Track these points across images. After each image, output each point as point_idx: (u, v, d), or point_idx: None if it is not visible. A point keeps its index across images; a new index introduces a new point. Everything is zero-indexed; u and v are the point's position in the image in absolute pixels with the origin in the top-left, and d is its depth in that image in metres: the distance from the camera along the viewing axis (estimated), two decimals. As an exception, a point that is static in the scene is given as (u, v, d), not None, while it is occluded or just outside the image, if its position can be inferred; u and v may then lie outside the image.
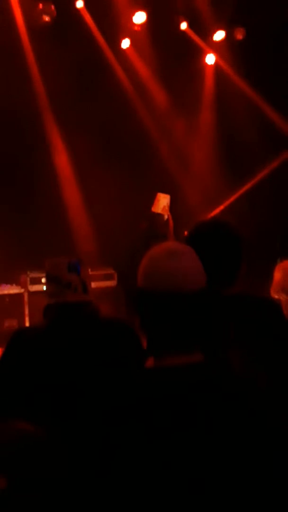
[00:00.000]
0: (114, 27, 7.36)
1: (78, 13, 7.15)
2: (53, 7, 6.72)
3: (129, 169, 7.45)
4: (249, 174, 8.07)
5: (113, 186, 7.22)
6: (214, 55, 8.08)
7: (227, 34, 7.77)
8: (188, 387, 1.23)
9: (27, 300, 6.80)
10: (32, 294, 6.77)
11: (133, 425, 1.22)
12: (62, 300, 2.15)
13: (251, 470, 1.20)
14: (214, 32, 7.78)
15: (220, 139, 8.15)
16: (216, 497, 1.19)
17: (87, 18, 7.22)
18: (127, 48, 7.73)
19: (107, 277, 7.27)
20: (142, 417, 1.22)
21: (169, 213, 6.99)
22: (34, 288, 6.77)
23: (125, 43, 7.67)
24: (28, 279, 6.87)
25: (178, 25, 7.60)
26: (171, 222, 7.05)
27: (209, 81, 8.31)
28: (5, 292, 6.82)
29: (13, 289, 6.86)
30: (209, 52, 8.06)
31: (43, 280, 7.21)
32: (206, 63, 8.20)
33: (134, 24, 7.32)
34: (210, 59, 8.12)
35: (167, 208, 6.95)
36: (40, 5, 6.71)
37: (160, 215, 6.95)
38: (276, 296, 2.34)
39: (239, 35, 7.75)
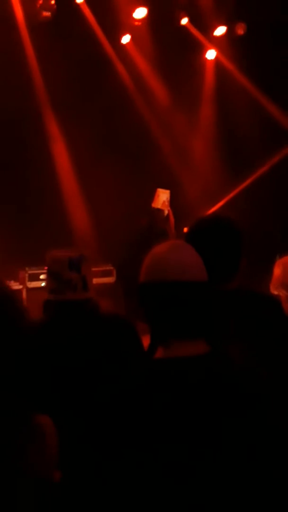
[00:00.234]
0: (115, 22, 7.32)
1: (78, 8, 7.12)
2: (53, 2, 6.68)
3: (129, 164, 7.43)
4: (249, 169, 8.05)
5: (112, 181, 7.20)
6: (215, 50, 8.05)
7: (228, 30, 7.74)
8: (198, 378, 1.26)
9: (26, 296, 6.79)
10: (31, 290, 6.75)
11: (143, 415, 1.23)
12: (62, 297, 2.13)
13: (254, 461, 1.22)
14: (215, 27, 7.75)
15: (220, 134, 8.13)
16: (221, 486, 1.21)
17: (87, 13, 7.18)
18: (128, 43, 7.70)
19: (106, 274, 7.26)
20: (152, 408, 1.24)
21: (169, 208, 6.98)
22: (33, 284, 6.75)
23: (126, 39, 7.64)
24: (27, 275, 6.85)
25: (179, 20, 7.56)
26: (171, 218, 7.03)
27: (209, 76, 8.28)
28: (4, 288, 6.79)
29: (12, 286, 6.85)
30: (209, 48, 8.03)
31: (42, 276, 7.17)
32: (206, 59, 8.17)
33: (134, 19, 7.29)
34: (211, 54, 8.10)
35: (167, 203, 6.92)
36: (40, 0, 6.68)
37: (160, 211, 6.93)
38: (276, 292, 2.33)
39: (240, 31, 7.72)
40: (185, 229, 7.44)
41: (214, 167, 7.94)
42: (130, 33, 7.58)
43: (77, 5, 7.10)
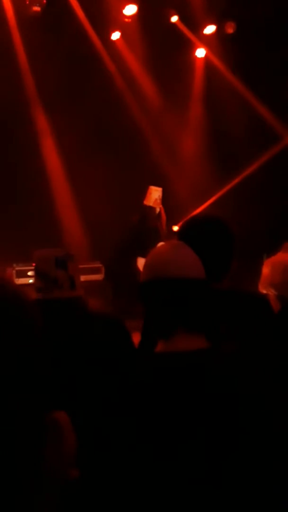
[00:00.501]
0: (105, 18, 7.31)
1: (68, 3, 7.09)
2: (43, -4, 6.66)
3: (118, 161, 7.42)
4: (237, 168, 8.08)
5: (101, 178, 7.19)
6: (205, 48, 8.07)
7: (217, 28, 7.76)
8: (200, 370, 1.29)
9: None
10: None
11: (149, 407, 1.26)
12: (49, 296, 2.13)
13: (255, 452, 1.25)
14: (205, 25, 7.77)
15: (209, 132, 8.16)
16: (223, 478, 1.24)
17: (77, 8, 7.16)
18: (117, 39, 7.69)
19: (94, 271, 7.25)
20: (158, 400, 1.27)
21: (161, 206, 6.99)
22: (21, 281, 6.72)
23: (116, 35, 7.63)
24: (14, 272, 6.81)
25: (169, 18, 7.57)
26: (163, 215, 7.05)
27: (199, 74, 8.30)
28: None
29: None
30: (199, 46, 8.05)
31: (30, 273, 7.13)
32: (196, 57, 8.19)
33: (124, 16, 7.28)
34: (201, 52, 8.11)
35: (159, 201, 6.94)
36: (30, -5, 6.65)
37: (152, 208, 6.94)
38: (264, 291, 2.34)
39: (230, 29, 7.75)
40: (174, 227, 7.44)
41: (202, 165, 7.96)
42: (120, 30, 7.57)
43: (67, 0, 7.07)
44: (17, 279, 6.78)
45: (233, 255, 1.86)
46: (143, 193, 6.99)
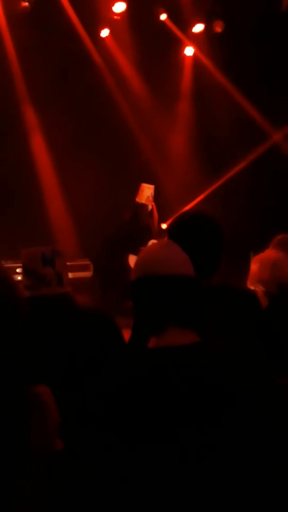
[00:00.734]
0: (94, 15, 7.30)
1: (58, 0, 7.07)
2: (31, -8, 6.63)
3: (107, 159, 7.43)
4: (226, 167, 8.12)
5: (90, 175, 7.19)
6: (193, 47, 8.09)
7: (206, 27, 7.79)
8: (193, 364, 1.33)
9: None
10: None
11: (144, 402, 1.29)
12: (37, 293, 2.14)
13: (250, 448, 1.28)
14: (193, 24, 7.79)
15: (197, 130, 8.19)
16: (219, 474, 1.26)
17: (66, 5, 7.14)
18: (106, 37, 7.68)
19: (83, 268, 7.25)
20: (152, 395, 1.29)
21: (153, 203, 7.01)
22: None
23: (105, 32, 7.62)
24: (3, 269, 6.78)
25: (158, 16, 7.58)
26: (155, 213, 7.06)
27: (187, 72, 8.33)
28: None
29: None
30: (188, 44, 8.07)
31: (18, 270, 7.12)
32: (185, 55, 8.21)
33: (113, 13, 7.28)
34: (189, 51, 8.14)
35: (151, 198, 6.96)
36: (19, -9, 6.61)
37: (144, 205, 6.96)
38: (253, 288, 2.37)
39: (218, 28, 7.78)
40: (162, 225, 7.41)
41: (191, 163, 7.99)
42: (109, 27, 7.57)
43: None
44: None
45: (223, 250, 1.89)
46: (132, 190, 7.00)
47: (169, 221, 7.18)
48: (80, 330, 2.13)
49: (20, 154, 7.21)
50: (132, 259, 6.65)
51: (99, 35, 7.62)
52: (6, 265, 7.17)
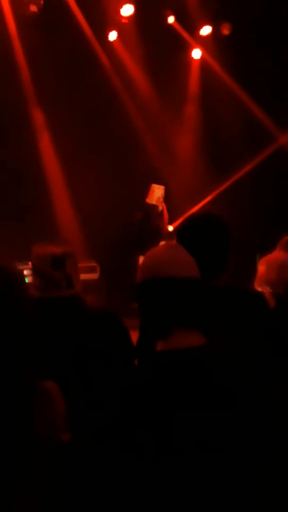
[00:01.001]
0: (102, 19, 7.33)
1: (66, 3, 7.11)
2: (40, -4, 6.68)
3: (114, 160, 7.45)
4: (232, 168, 8.13)
5: (97, 177, 7.21)
6: (200, 49, 8.11)
7: (213, 29, 7.81)
8: (201, 366, 1.33)
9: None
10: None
11: (153, 405, 1.29)
12: (46, 295, 2.13)
13: (256, 448, 1.29)
14: (201, 27, 7.81)
15: (204, 133, 8.20)
16: (226, 473, 1.28)
17: (75, 9, 7.18)
18: (114, 40, 7.72)
19: (90, 270, 7.27)
20: (162, 398, 1.30)
21: (163, 204, 7.00)
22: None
23: (113, 35, 7.65)
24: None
25: (166, 19, 7.60)
26: (165, 213, 7.06)
27: (194, 75, 8.34)
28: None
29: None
30: (195, 47, 8.09)
31: (25, 272, 7.14)
32: (192, 58, 8.23)
33: (121, 17, 7.31)
34: (197, 53, 8.15)
35: (161, 199, 6.95)
36: (28, -5, 6.67)
37: (154, 206, 6.95)
38: (260, 289, 2.38)
39: (225, 31, 7.79)
40: (169, 227, 7.38)
41: (197, 165, 7.99)
42: (117, 30, 7.60)
43: (65, 0, 7.09)
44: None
45: (230, 251, 1.89)
46: (139, 191, 7.02)
47: (176, 223, 7.20)
48: (88, 329, 2.13)
49: (27, 155, 7.25)
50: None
51: (107, 37, 7.65)
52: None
